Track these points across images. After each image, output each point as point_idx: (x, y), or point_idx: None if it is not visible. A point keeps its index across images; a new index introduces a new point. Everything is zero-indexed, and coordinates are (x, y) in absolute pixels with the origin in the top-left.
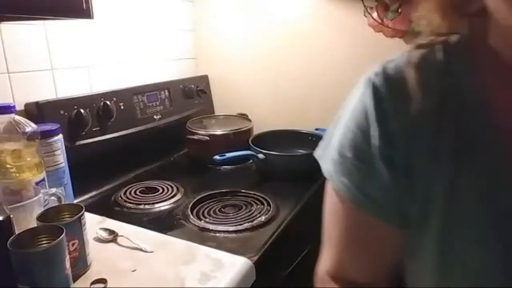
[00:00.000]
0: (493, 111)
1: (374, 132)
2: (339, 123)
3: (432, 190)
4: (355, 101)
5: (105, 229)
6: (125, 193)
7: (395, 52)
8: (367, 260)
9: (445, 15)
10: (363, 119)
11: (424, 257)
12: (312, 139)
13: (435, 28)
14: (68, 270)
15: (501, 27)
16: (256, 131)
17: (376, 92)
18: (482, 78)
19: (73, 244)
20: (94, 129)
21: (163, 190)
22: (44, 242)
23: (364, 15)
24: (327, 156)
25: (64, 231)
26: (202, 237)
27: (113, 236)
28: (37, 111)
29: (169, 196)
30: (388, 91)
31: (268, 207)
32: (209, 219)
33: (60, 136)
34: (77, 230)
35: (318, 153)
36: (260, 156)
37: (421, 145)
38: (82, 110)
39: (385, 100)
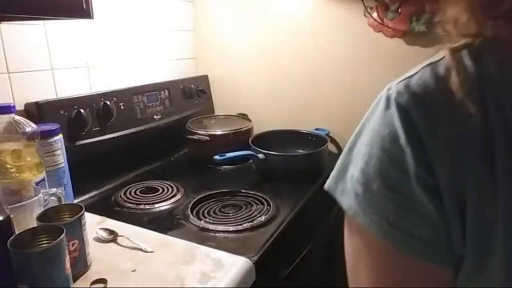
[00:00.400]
0: None
1: (409, 158)
2: (357, 151)
3: (491, 218)
4: (376, 124)
5: (105, 229)
6: (125, 193)
7: (395, 52)
8: None
9: (474, 15)
10: (392, 144)
11: None
12: (312, 139)
13: (462, 30)
14: (68, 270)
15: None
16: (256, 131)
17: (404, 112)
18: None
19: (73, 244)
20: (94, 129)
21: (163, 190)
22: (44, 242)
23: (364, 15)
24: (345, 190)
25: (64, 231)
26: (202, 237)
27: (113, 236)
28: (37, 111)
29: (169, 196)
30: (419, 110)
31: (268, 207)
32: (209, 219)
33: (60, 136)
34: (77, 230)
35: (330, 186)
36: (260, 156)
37: (470, 165)
38: (82, 110)
39: (417, 121)
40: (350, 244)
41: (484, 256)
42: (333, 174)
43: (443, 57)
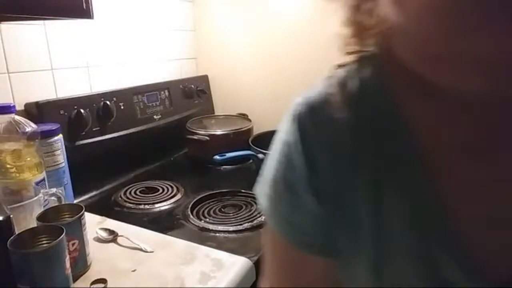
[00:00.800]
0: (407, 125)
1: (301, 161)
2: (271, 158)
3: (359, 214)
4: (283, 134)
5: (105, 229)
6: (125, 193)
7: None
8: None
9: (353, 32)
10: (291, 150)
11: (360, 283)
12: None
13: (347, 45)
14: (68, 270)
15: (399, 35)
16: (256, 131)
17: (301, 123)
18: (394, 93)
19: (73, 244)
20: (94, 129)
21: (163, 190)
22: (44, 242)
23: None
24: (262, 193)
25: (64, 231)
26: (202, 237)
27: (113, 236)
28: (37, 111)
29: (169, 196)
30: (312, 121)
31: None
32: (209, 219)
33: (60, 136)
34: (77, 230)
35: (256, 190)
36: (260, 156)
37: (343, 169)
38: (82, 110)
39: (309, 130)
40: (267, 244)
41: (356, 243)
42: (259, 178)
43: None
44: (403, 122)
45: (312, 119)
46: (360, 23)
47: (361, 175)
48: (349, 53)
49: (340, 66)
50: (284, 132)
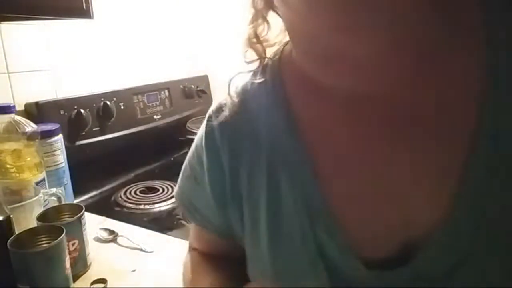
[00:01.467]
0: (296, 122)
1: (206, 158)
2: (191, 148)
3: (258, 204)
4: (199, 132)
5: (105, 229)
6: (125, 193)
7: None
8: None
9: (254, 42)
10: (200, 147)
11: (263, 262)
12: None
13: (250, 53)
14: (68, 270)
15: (293, 39)
16: None
17: (207, 122)
18: (288, 93)
19: (73, 244)
20: (94, 129)
21: (163, 190)
22: (44, 242)
23: None
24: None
25: (64, 231)
26: None
27: (113, 236)
28: (37, 111)
29: (169, 196)
30: (216, 121)
31: None
32: None
33: (60, 136)
34: (77, 230)
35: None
36: None
37: (242, 162)
38: (82, 110)
39: (213, 129)
40: None
41: (256, 227)
42: None
43: None
44: (292, 117)
45: (217, 118)
46: (259, 35)
47: (258, 166)
48: (249, 62)
49: (246, 71)
50: (200, 131)
